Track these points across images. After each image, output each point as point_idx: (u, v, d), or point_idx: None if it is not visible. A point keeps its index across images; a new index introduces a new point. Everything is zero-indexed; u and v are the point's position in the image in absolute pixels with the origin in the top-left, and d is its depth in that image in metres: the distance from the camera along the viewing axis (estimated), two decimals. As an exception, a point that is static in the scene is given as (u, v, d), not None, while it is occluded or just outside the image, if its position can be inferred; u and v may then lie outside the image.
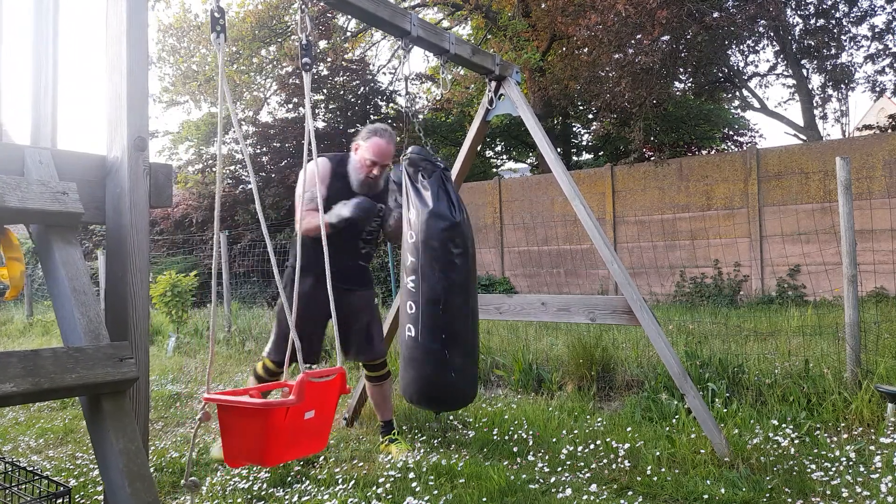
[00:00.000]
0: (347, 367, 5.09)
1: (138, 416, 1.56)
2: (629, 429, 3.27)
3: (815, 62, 11.75)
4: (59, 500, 1.57)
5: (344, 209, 2.91)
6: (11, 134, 1.75)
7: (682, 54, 10.44)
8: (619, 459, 2.84)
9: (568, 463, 2.89)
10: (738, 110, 15.24)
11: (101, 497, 2.47)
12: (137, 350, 1.57)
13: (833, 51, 11.37)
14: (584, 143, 18.13)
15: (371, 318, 3.23)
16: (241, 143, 2.24)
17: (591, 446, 3.08)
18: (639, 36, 9.83)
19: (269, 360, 3.14)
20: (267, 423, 1.75)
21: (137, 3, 1.61)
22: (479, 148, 4.15)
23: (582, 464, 2.87)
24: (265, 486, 2.73)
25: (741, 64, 12.73)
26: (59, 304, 1.46)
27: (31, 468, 2.16)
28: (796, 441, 2.94)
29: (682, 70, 11.13)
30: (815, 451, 2.86)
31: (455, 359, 2.49)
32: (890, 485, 2.36)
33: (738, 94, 13.71)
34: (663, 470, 2.71)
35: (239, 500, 2.60)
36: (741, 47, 11.87)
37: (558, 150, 12.62)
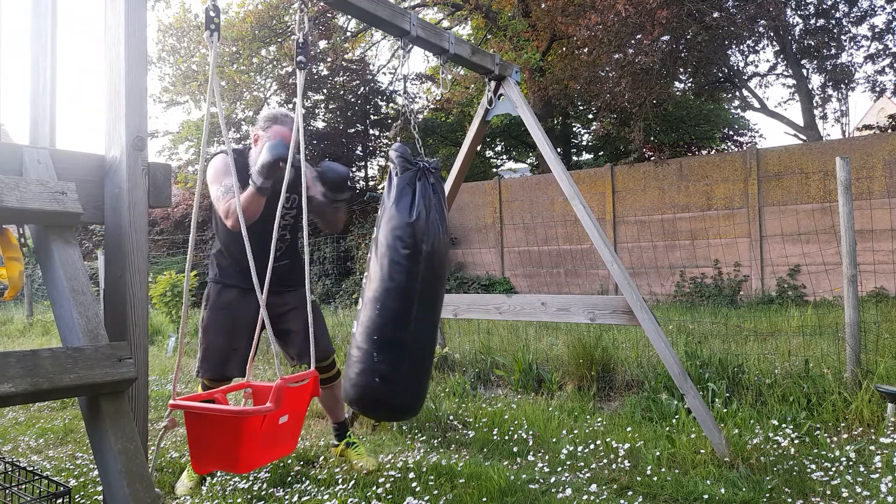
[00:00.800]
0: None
1: (137, 416, 1.56)
2: (629, 429, 3.27)
3: (815, 62, 11.75)
4: (59, 500, 1.57)
5: (262, 158, 2.51)
6: (11, 133, 1.74)
7: (682, 54, 10.43)
8: (619, 459, 2.84)
9: (568, 463, 2.89)
10: (738, 110, 15.24)
11: (101, 497, 2.46)
12: (136, 350, 1.57)
13: (833, 51, 11.36)
14: (584, 143, 18.13)
15: (313, 315, 3.02)
16: (227, 146, 2.17)
17: (591, 446, 3.08)
18: (639, 36, 9.82)
19: (205, 379, 2.85)
20: (243, 429, 1.72)
21: (136, 4, 1.61)
22: (478, 148, 4.15)
23: (582, 464, 2.87)
24: (265, 486, 2.72)
25: (741, 64, 12.73)
26: (58, 304, 1.46)
27: (31, 468, 2.15)
28: (796, 441, 2.93)
29: (682, 70, 11.12)
30: (815, 451, 2.86)
31: (385, 365, 2.30)
32: (890, 485, 2.36)
33: (738, 94, 13.70)
34: (663, 470, 2.71)
35: (239, 500, 2.60)
36: (741, 47, 11.86)
37: (558, 150, 12.62)
